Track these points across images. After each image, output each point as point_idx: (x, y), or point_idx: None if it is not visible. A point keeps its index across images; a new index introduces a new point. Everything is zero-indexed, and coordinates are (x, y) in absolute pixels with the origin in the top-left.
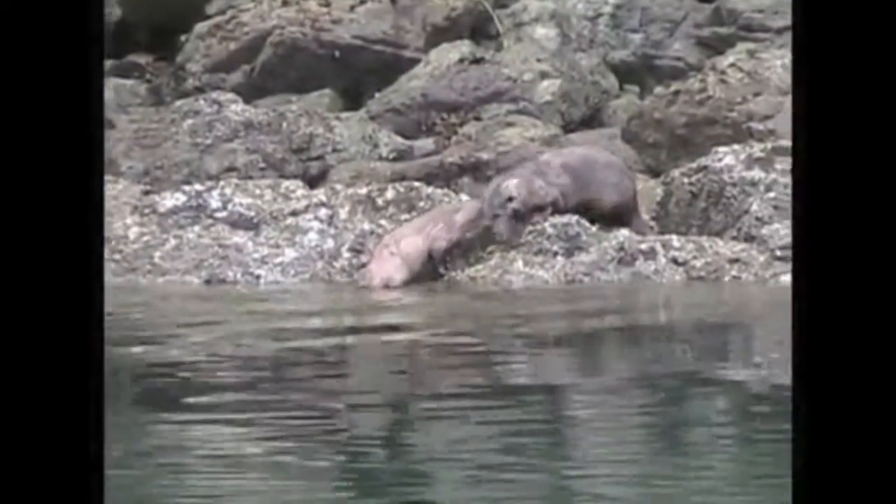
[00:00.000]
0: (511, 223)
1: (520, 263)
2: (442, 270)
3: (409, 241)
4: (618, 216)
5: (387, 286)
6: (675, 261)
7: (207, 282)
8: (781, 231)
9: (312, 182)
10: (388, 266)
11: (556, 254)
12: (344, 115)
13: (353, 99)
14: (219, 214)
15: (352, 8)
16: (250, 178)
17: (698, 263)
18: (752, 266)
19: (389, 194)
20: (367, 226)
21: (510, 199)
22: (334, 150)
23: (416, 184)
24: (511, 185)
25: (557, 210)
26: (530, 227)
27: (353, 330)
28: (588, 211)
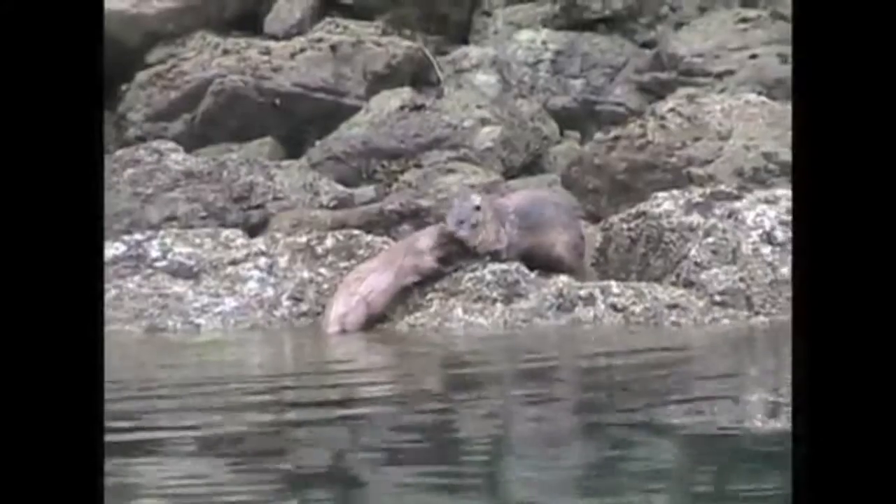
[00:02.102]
0: (476, 230)
1: (459, 310)
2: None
3: (377, 278)
4: (563, 261)
5: (343, 330)
6: (614, 307)
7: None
8: (720, 276)
9: (253, 230)
10: (345, 308)
11: (495, 300)
12: (285, 163)
13: (293, 147)
14: (158, 264)
15: (292, 56)
16: (191, 227)
17: (637, 309)
18: (690, 311)
19: (329, 242)
20: (306, 274)
21: (477, 207)
22: (275, 199)
23: (356, 232)
24: (476, 196)
25: (500, 259)
26: (470, 272)
27: None
28: (536, 255)
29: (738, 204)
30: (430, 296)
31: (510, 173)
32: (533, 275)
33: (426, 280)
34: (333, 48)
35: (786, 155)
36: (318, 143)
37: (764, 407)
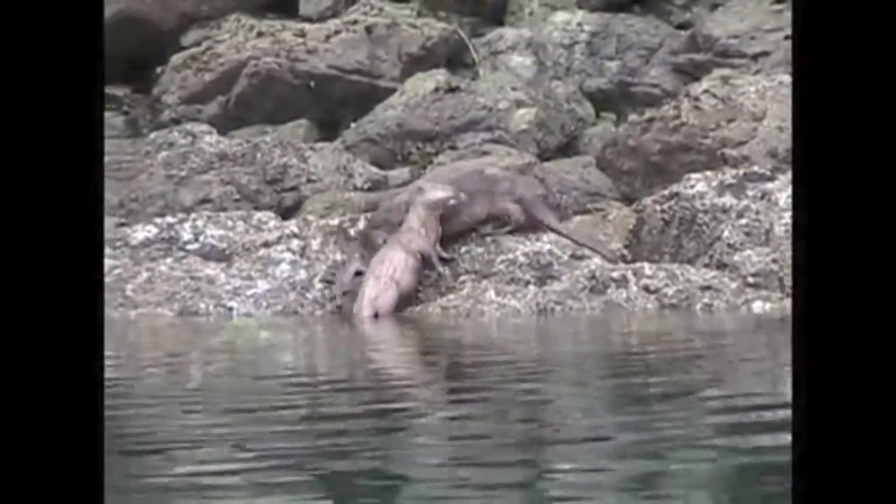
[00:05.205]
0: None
1: (492, 293)
2: (445, 258)
3: (396, 256)
4: (529, 218)
5: (376, 314)
6: (646, 289)
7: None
8: (753, 258)
9: (287, 213)
10: (375, 291)
11: (528, 283)
12: (319, 145)
13: (328, 129)
14: (190, 246)
15: (327, 38)
16: (225, 209)
17: (670, 291)
18: (723, 293)
19: (362, 225)
20: (339, 256)
21: (358, 272)
22: (309, 181)
23: None
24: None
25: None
26: (502, 255)
27: None
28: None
29: (770, 185)
30: (462, 278)
31: (545, 155)
32: (566, 256)
33: (427, 259)
34: (368, 30)
35: None
36: (352, 125)
37: None
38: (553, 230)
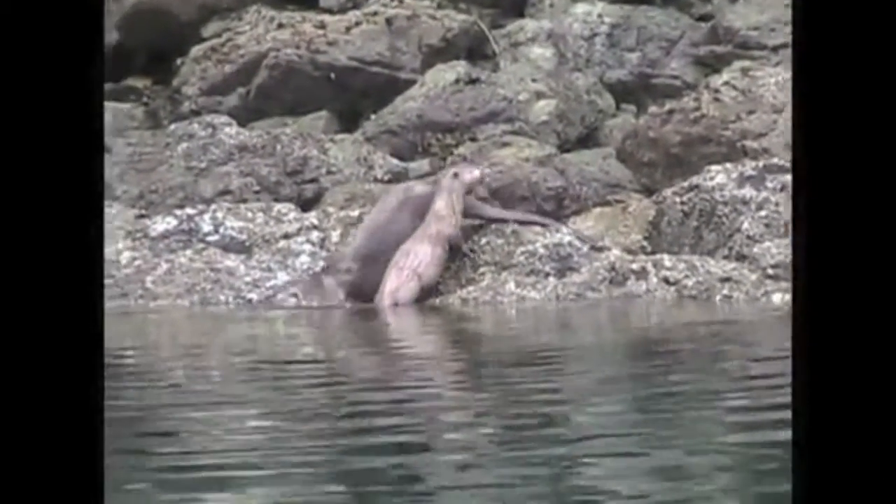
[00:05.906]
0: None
1: (511, 284)
2: (467, 248)
3: (422, 249)
4: None
5: (396, 304)
6: (666, 280)
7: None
8: (773, 249)
9: (307, 205)
10: (396, 283)
11: (547, 274)
12: (339, 137)
13: (348, 121)
14: (210, 238)
15: (347, 30)
16: (245, 201)
17: (690, 282)
18: (743, 285)
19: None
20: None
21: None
22: (329, 173)
23: None
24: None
25: None
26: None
27: None
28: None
29: (790, 177)
30: (482, 269)
31: (565, 147)
32: (585, 248)
33: (456, 247)
34: (388, 22)
35: None
36: (373, 116)
37: None
38: (497, 219)
